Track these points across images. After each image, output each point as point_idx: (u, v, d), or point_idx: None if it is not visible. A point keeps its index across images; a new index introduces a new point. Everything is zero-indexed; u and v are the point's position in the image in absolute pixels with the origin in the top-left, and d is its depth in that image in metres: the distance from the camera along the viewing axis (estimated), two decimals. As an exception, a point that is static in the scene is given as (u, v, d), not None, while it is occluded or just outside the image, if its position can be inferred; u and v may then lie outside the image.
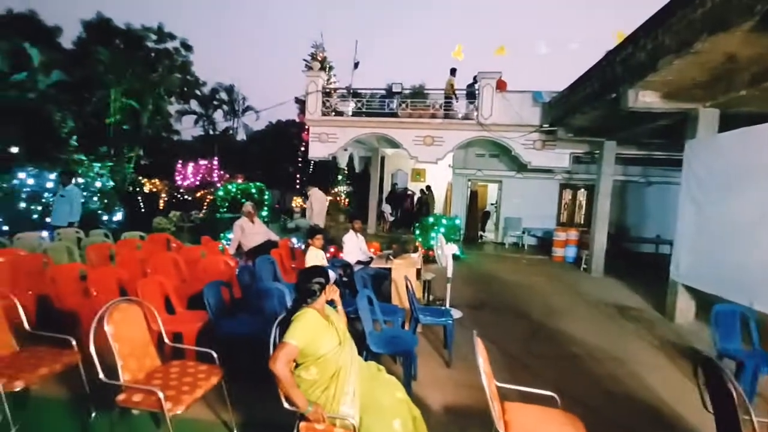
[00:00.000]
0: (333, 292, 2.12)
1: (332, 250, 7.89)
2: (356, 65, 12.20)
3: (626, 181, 11.81)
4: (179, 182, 18.70)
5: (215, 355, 2.54)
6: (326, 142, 10.80)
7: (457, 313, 4.81)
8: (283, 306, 3.42)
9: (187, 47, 18.53)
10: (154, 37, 17.18)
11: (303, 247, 7.07)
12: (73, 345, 2.62)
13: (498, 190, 13.13)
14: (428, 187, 13.22)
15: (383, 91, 11.31)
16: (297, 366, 1.99)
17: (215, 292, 3.40)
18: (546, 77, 15.94)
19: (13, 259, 4.15)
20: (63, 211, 6.83)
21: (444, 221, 9.77)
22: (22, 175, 9.12)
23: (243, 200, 12.42)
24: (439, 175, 13.88)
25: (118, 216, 11.15)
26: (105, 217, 10.70)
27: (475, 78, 10.20)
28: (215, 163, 20.25)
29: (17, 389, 2.26)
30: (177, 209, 12.80)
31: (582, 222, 11.94)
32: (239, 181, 14.12)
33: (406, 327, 4.12)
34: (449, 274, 4.86)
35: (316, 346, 1.94)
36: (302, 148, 17.01)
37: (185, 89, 19.79)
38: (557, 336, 4.80)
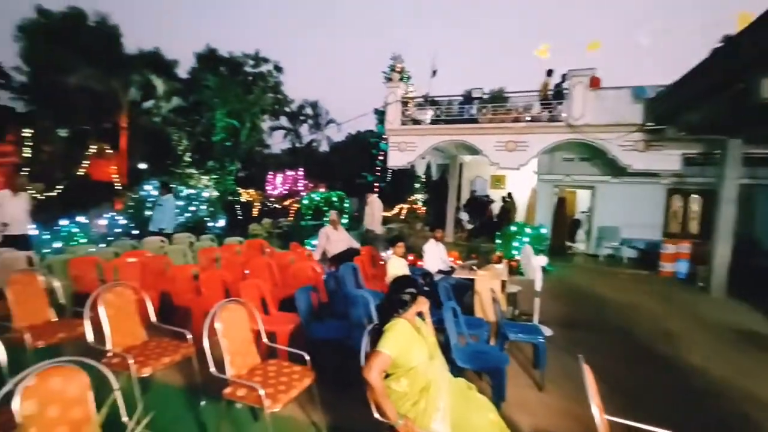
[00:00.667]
0: (423, 304, 2.09)
1: (410, 258, 7.90)
2: (434, 73, 12.19)
3: (755, 184, 9.97)
4: (270, 192, 20.44)
5: (307, 357, 2.66)
6: (405, 150, 10.91)
7: (547, 331, 4.45)
8: (367, 313, 3.48)
9: (278, 69, 20.28)
10: (251, 62, 19.13)
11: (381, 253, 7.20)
12: (188, 338, 2.94)
13: (590, 196, 12.01)
14: (509, 194, 12.61)
15: (461, 98, 11.13)
16: (387, 376, 1.99)
17: (305, 296, 3.58)
18: (633, 72, 14.21)
19: (143, 259, 4.86)
20: (158, 219, 7.39)
21: (528, 230, 9.20)
22: (147, 187, 10.74)
23: (325, 208, 13.12)
24: (522, 182, 13.17)
25: (221, 222, 12.51)
26: (210, 224, 12.08)
27: (563, 76, 9.52)
28: (301, 173, 21.75)
29: (145, 375, 2.60)
30: (268, 217, 13.97)
31: (696, 232, 10.35)
32: (322, 190, 14.96)
33: (491, 342, 3.93)
34: (538, 287, 4.53)
35: (408, 357, 1.91)
36: (380, 158, 17.47)
37: (276, 107, 21.63)
38: (671, 364, 4.17)
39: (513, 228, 9.44)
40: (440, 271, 5.60)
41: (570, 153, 11.34)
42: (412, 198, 15.06)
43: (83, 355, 1.81)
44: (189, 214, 11.12)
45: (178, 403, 3.01)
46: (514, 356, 4.07)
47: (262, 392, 2.11)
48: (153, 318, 3.11)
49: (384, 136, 12.69)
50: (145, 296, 3.11)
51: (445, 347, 3.11)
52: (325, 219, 13.10)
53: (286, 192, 20.38)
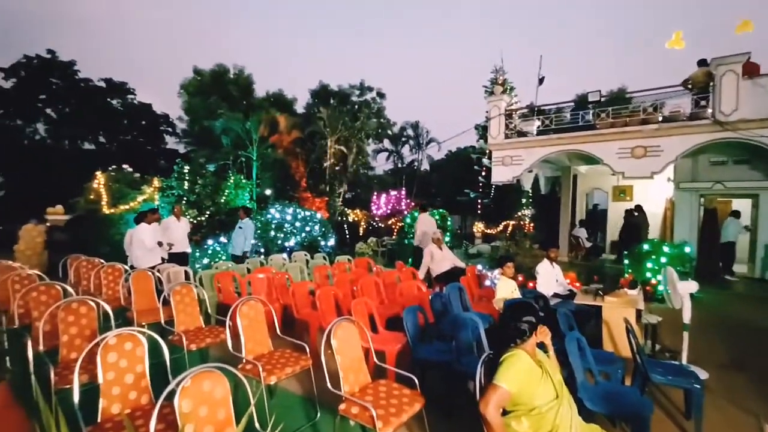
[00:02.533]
0: (544, 335, 1.89)
1: (520, 278, 7.36)
2: (541, 81, 11.47)
3: None
4: (374, 212, 21.40)
5: (417, 381, 2.62)
6: (510, 165, 10.38)
7: (702, 374, 3.64)
8: (476, 337, 3.31)
9: (381, 95, 21.49)
10: (357, 92, 20.65)
11: (488, 272, 6.85)
12: (307, 351, 3.16)
13: (752, 207, 9.73)
14: (638, 207, 10.95)
15: (572, 104, 10.20)
16: (506, 413, 1.83)
17: (413, 316, 3.57)
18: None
19: (269, 275, 5.46)
20: (239, 242, 7.43)
21: (666, 249, 7.81)
22: (272, 210, 12.19)
23: (427, 227, 13.05)
24: (653, 192, 11.36)
25: (331, 242, 13.47)
26: (322, 243, 13.10)
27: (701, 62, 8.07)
28: (403, 193, 22.34)
29: (271, 383, 2.86)
30: (373, 236, 14.57)
31: None
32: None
33: (626, 382, 3.36)
34: (687, 318, 3.77)
35: (530, 394, 1.73)
36: (483, 174, 16.95)
37: (380, 131, 22.82)
38: None
39: (646, 246, 8.12)
40: (556, 295, 5.07)
41: (721, 155, 9.43)
42: (519, 214, 14.16)
43: (223, 360, 2.07)
44: (305, 234, 12.24)
45: (296, 413, 3.23)
46: (656, 401, 3.42)
47: (374, 413, 2.13)
48: (278, 330, 3.43)
49: (486, 152, 12.30)
50: (272, 309, 3.46)
51: (569, 384, 2.76)
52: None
53: (390, 211, 21.07)
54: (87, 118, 24.16)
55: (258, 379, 2.77)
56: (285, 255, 9.07)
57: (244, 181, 13.41)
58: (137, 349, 2.34)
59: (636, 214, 10.78)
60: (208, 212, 11.85)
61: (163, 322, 3.80)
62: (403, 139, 28.39)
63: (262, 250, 10.99)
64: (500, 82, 14.84)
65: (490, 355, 2.04)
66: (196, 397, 1.79)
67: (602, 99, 9.80)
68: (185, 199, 11.88)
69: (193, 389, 1.78)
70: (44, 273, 5.05)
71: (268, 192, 15.33)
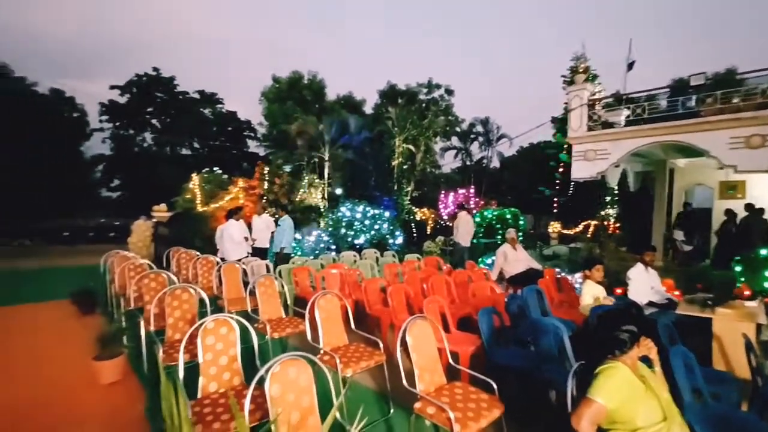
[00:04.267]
0: (649, 348, 1.68)
1: (605, 283, 6.72)
2: (631, 66, 10.39)
3: None
4: (442, 210, 21.12)
5: (495, 386, 2.51)
6: (594, 160, 9.54)
7: None
8: (559, 344, 3.09)
9: (449, 92, 21.11)
10: (425, 90, 20.53)
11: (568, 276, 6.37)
12: (380, 347, 3.20)
13: None
14: (749, 206, 9.39)
15: (668, 89, 9.05)
16: (601, 431, 1.66)
17: (488, 318, 3.44)
18: None
19: (342, 271, 5.65)
20: (278, 240, 7.40)
21: (794, 256, 6.57)
22: (343, 208, 12.62)
23: (497, 226, 12.63)
24: (771, 188, 9.66)
25: (399, 240, 13.57)
26: (390, 240, 13.25)
27: None
28: (471, 191, 21.74)
29: (347, 375, 2.94)
30: (441, 234, 14.38)
31: None
32: (493, 207, 14.50)
33: (743, 407, 2.89)
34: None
35: (631, 412, 1.56)
36: (560, 170, 15.82)
37: (447, 128, 22.44)
38: None
39: (765, 252, 6.92)
40: (651, 304, 4.54)
41: None
42: (602, 213, 12.96)
43: (301, 350, 2.16)
44: (373, 232, 12.49)
45: (370, 407, 3.29)
46: (786, 434, 2.89)
47: (452, 415, 2.08)
48: (352, 324, 3.53)
49: (564, 146, 11.45)
50: (347, 303, 3.56)
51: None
52: (498, 237, 12.61)
53: (457, 210, 20.64)
54: (184, 127, 27.20)
55: (334, 371, 2.87)
56: (355, 252, 9.37)
57: (317, 180, 14.08)
58: (230, 334, 2.56)
59: (750, 213, 9.25)
60: (284, 210, 12.69)
61: (249, 310, 4.11)
62: (472, 136, 27.63)
63: (334, 247, 11.43)
64: (582, 69, 13.71)
65: (581, 365, 1.87)
66: (285, 383, 1.90)
67: (708, 81, 8.56)
68: (265, 198, 12.81)
69: (281, 375, 1.90)
70: (152, 262, 5.77)
71: (338, 191, 15.90)
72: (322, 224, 13.09)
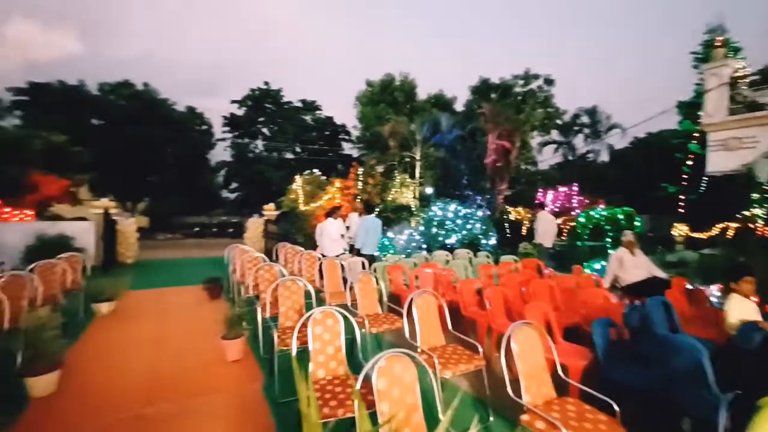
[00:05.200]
0: None
1: (754, 299, 5.54)
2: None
3: None
4: (547, 209, 19.67)
5: (616, 407, 2.23)
6: (737, 149, 7.98)
7: None
8: (696, 367, 2.62)
9: (549, 82, 19.57)
10: (521, 82, 19.37)
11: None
12: (480, 351, 3.09)
13: None
14: None
15: None
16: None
17: (604, 330, 3.09)
18: None
19: (436, 271, 5.61)
20: (361, 239, 7.03)
21: None
22: (434, 208, 12.56)
23: (607, 227, 11.33)
24: None
25: (492, 240, 13.02)
26: (483, 241, 12.78)
27: None
28: (574, 188, 19.84)
29: (446, 377, 2.90)
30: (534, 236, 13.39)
31: None
32: (601, 206, 13.01)
33: None
34: None
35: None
36: (688, 162, 13.53)
37: (546, 122, 20.86)
38: None
39: None
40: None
41: None
42: (747, 214, 10.74)
43: (396, 347, 2.18)
44: (465, 232, 12.19)
45: (467, 411, 3.19)
46: None
47: (565, 432, 1.91)
48: (449, 325, 3.47)
49: (695, 135, 9.75)
50: (443, 302, 3.52)
51: None
52: (607, 240, 11.29)
53: (557, 210, 19.04)
54: (288, 133, 29.92)
55: (433, 370, 2.85)
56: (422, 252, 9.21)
57: (408, 180, 14.26)
58: (336, 326, 2.72)
59: None
60: (377, 209, 13.11)
61: (349, 304, 4.32)
62: (576, 128, 25.22)
63: (425, 246, 11.44)
64: (720, 43, 11.52)
65: (736, 395, 1.55)
66: (391, 378, 1.95)
67: None
68: (359, 197, 13.40)
69: (387, 370, 1.95)
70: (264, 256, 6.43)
71: (429, 190, 15.88)
72: (413, 223, 13.22)
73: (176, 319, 5.76)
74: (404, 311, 3.26)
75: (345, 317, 2.85)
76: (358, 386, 1.87)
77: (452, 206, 12.10)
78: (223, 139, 30.77)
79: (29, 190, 10.94)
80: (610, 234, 10.99)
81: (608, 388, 2.88)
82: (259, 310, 4.22)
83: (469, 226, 12.41)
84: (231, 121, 30.32)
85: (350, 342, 3.00)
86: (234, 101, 30.22)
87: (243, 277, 5.91)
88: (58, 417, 3.06)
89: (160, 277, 9.25)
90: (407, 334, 3.20)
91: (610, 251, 9.30)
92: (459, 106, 21.86)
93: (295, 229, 12.53)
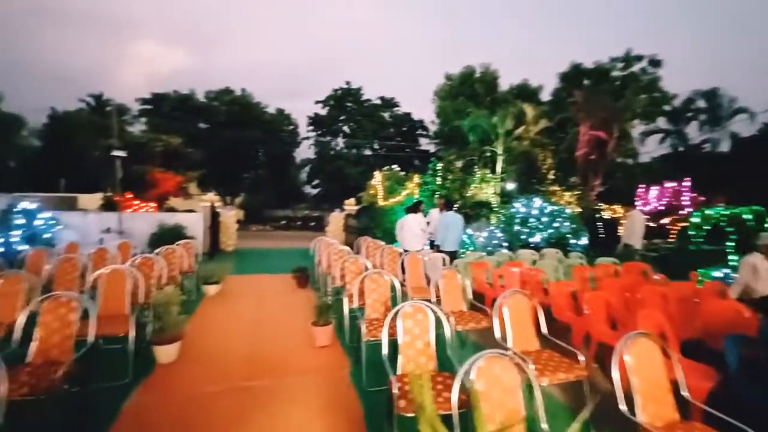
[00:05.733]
0: None
1: None
2: None
3: None
4: (639, 208, 17.54)
5: (764, 442, 1.87)
6: None
7: None
8: None
9: (655, 63, 17.28)
10: (620, 65, 17.40)
11: None
12: (580, 360, 2.83)
13: None
14: None
15: None
16: None
17: (739, 348, 2.62)
18: None
19: (522, 270, 5.30)
20: (442, 236, 6.70)
21: None
22: (517, 204, 11.90)
23: (728, 229, 9.70)
24: None
25: (584, 240, 11.93)
26: (573, 241, 11.79)
27: None
28: (685, 184, 17.29)
29: (542, 384, 2.70)
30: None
31: None
32: (720, 204, 11.14)
33: None
34: None
35: None
36: None
37: (651, 108, 18.46)
38: None
39: None
40: None
41: None
42: None
43: (482, 347, 2.06)
44: (552, 230, 11.36)
45: (564, 423, 2.95)
46: None
47: (699, 464, 1.64)
48: (544, 329, 3.24)
49: None
50: (537, 305, 3.29)
51: None
52: (729, 244, 9.71)
53: (663, 208, 16.79)
54: (367, 130, 30.77)
55: (526, 376, 2.68)
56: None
57: (489, 175, 13.72)
58: (425, 320, 2.69)
59: None
60: (456, 205, 12.83)
61: (433, 299, 4.28)
62: (689, 114, 21.89)
63: (506, 244, 10.92)
64: None
65: None
66: (489, 379, 1.86)
67: None
68: (437, 193, 13.25)
69: (486, 370, 1.87)
70: (348, 248, 6.66)
71: (510, 186, 15.10)
72: (493, 220, 12.69)
73: (270, 303, 6.27)
74: (494, 310, 3.11)
75: (434, 313, 2.82)
76: (457, 384, 1.82)
77: (537, 202, 11.35)
78: (307, 138, 32.74)
79: (152, 186, 12.80)
80: (733, 237, 9.41)
81: (744, 414, 2.45)
82: (345, 300, 4.39)
83: (556, 224, 11.54)
84: (315, 121, 32.10)
85: (436, 338, 2.96)
86: (318, 101, 31.94)
87: (329, 268, 6.20)
88: (179, 380, 3.52)
89: (254, 264, 10.15)
90: (497, 335, 3.05)
91: (732, 257, 7.98)
92: (546, 96, 20.39)
93: (374, 224, 12.83)
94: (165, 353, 3.82)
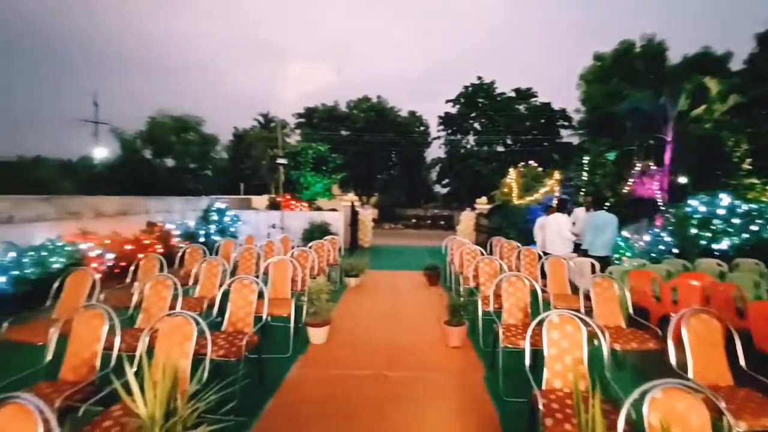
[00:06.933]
0: None
1: None
2: None
3: None
4: None
5: None
6: None
7: None
8: None
9: None
10: None
11: None
12: (805, 410, 2.13)
13: None
14: None
15: None
16: None
17: None
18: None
19: (706, 284, 4.27)
20: (588, 237, 6.05)
21: None
22: (693, 202, 9.67)
23: None
24: None
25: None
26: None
27: None
28: None
29: (739, 430, 2.12)
30: None
31: None
32: None
33: None
34: None
35: None
36: None
37: None
38: None
39: None
40: None
41: None
42: None
43: (646, 372, 1.68)
44: (748, 236, 8.87)
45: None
46: None
47: None
48: (741, 360, 2.55)
49: None
50: (734, 332, 2.60)
51: None
52: None
53: None
54: (500, 126, 29.35)
55: (715, 417, 2.14)
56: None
57: (652, 168, 11.52)
58: (576, 334, 2.40)
59: None
60: (607, 204, 11.13)
61: (582, 311, 3.81)
62: None
63: (676, 251, 9.00)
64: None
65: None
66: (668, 415, 1.54)
67: None
68: (583, 190, 11.75)
69: (663, 404, 1.55)
70: (482, 249, 6.44)
71: (683, 180, 12.38)
72: (658, 221, 10.60)
73: (404, 298, 6.53)
74: (669, 331, 2.57)
75: (586, 325, 2.49)
76: (623, 415, 1.55)
77: (725, 199, 8.99)
78: (437, 138, 32.98)
79: (305, 188, 14.71)
80: None
81: None
82: (479, 302, 4.26)
83: (754, 228, 8.99)
84: (445, 120, 32.10)
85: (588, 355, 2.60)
86: (448, 100, 31.84)
87: (461, 267, 6.12)
88: (330, 360, 3.96)
89: (388, 260, 10.73)
90: (673, 361, 2.52)
91: None
92: (737, 65, 15.97)
93: (508, 224, 12.14)
94: (317, 335, 4.34)
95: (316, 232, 10.35)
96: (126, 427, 1.83)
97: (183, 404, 1.82)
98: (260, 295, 3.65)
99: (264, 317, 3.67)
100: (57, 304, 3.74)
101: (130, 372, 1.85)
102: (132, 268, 4.97)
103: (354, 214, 12.96)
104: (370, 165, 30.27)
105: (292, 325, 4.11)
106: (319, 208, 13.07)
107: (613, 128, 14.72)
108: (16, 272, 5.26)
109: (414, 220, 27.83)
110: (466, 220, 13.94)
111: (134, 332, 3.20)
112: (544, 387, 2.38)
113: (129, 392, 1.82)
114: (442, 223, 25.86)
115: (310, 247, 6.22)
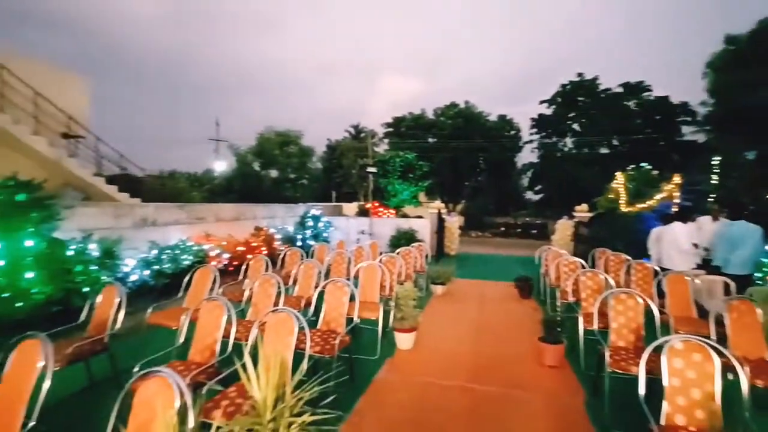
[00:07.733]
0: None
1: None
2: None
3: None
4: None
5: None
6: None
7: None
8: None
9: None
10: None
11: None
12: None
13: None
14: None
15: None
16: None
17: None
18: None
19: None
20: (721, 251, 5.28)
21: None
22: None
23: None
24: None
25: None
26: None
27: None
28: None
29: None
30: None
31: None
32: None
33: None
34: None
35: None
36: None
37: None
38: None
39: None
40: None
41: None
42: None
43: None
44: None
45: None
46: None
47: None
48: None
49: None
50: None
51: None
52: None
53: None
54: (603, 126, 26.56)
55: None
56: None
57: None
58: (707, 365, 2.05)
59: None
60: (746, 213, 9.32)
61: (713, 337, 3.23)
62: None
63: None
64: None
65: None
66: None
67: None
68: (712, 195, 9.99)
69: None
70: (582, 261, 5.88)
71: None
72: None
73: (492, 309, 6.25)
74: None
75: (720, 355, 2.11)
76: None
77: None
78: (530, 141, 31.11)
79: (393, 195, 15.07)
80: None
81: None
82: (580, 319, 3.89)
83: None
84: (539, 122, 30.16)
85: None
86: (542, 101, 29.88)
87: (558, 280, 5.66)
88: (417, 366, 3.97)
89: (475, 269, 10.39)
90: None
91: None
92: None
93: (614, 234, 10.87)
94: (404, 340, 4.39)
95: (403, 239, 10.50)
96: (241, 407, 2.08)
97: (290, 393, 1.99)
98: (351, 298, 3.83)
99: (354, 319, 3.84)
100: (187, 295, 4.40)
101: (248, 358, 2.09)
102: (243, 267, 5.62)
103: (440, 222, 12.86)
104: (457, 172, 29.75)
105: (380, 328, 4.23)
106: (405, 216, 13.26)
107: (750, 123, 12.27)
108: (156, 267, 6.32)
109: (503, 229, 26.55)
110: (563, 229, 12.86)
111: (246, 324, 3.61)
112: (663, 422, 2.07)
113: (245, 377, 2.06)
114: (534, 231, 24.21)
115: (397, 253, 6.34)
